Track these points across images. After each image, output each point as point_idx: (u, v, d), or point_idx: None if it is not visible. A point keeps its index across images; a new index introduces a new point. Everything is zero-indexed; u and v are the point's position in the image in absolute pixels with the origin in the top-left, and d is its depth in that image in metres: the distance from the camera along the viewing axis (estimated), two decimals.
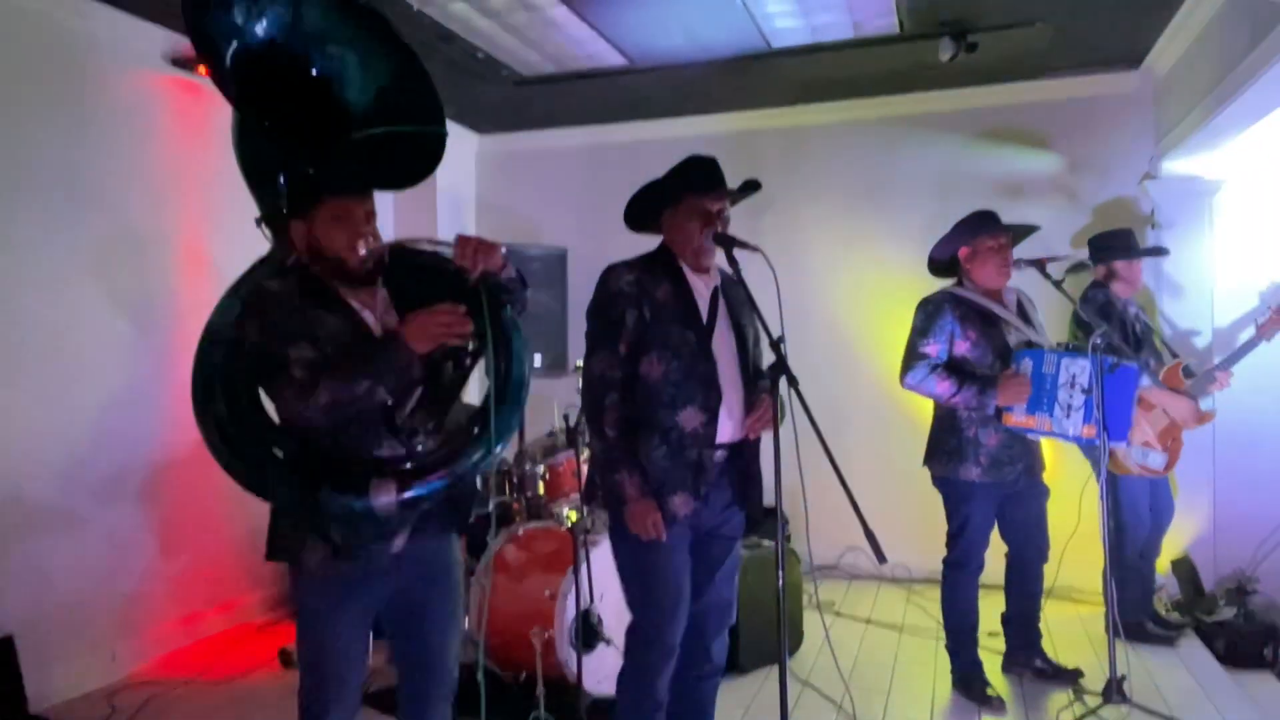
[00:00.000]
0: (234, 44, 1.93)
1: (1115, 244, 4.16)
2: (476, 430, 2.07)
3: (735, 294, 2.58)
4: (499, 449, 2.10)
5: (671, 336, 2.41)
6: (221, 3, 1.92)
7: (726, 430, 2.44)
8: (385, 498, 1.91)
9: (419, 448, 2.01)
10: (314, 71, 2.07)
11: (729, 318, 2.53)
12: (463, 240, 1.98)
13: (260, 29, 1.98)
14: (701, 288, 2.49)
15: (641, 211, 2.55)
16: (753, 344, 2.58)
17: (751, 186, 2.52)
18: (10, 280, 3.48)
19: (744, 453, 2.51)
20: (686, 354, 2.41)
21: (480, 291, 1.98)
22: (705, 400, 2.40)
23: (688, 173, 2.49)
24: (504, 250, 2.06)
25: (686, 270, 2.49)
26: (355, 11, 2.10)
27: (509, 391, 2.12)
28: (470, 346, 2.06)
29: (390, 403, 1.95)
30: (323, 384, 1.87)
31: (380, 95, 2.10)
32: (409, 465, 1.98)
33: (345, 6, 2.09)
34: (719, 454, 2.45)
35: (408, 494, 1.93)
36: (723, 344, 2.48)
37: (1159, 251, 4.34)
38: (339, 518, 1.94)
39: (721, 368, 2.44)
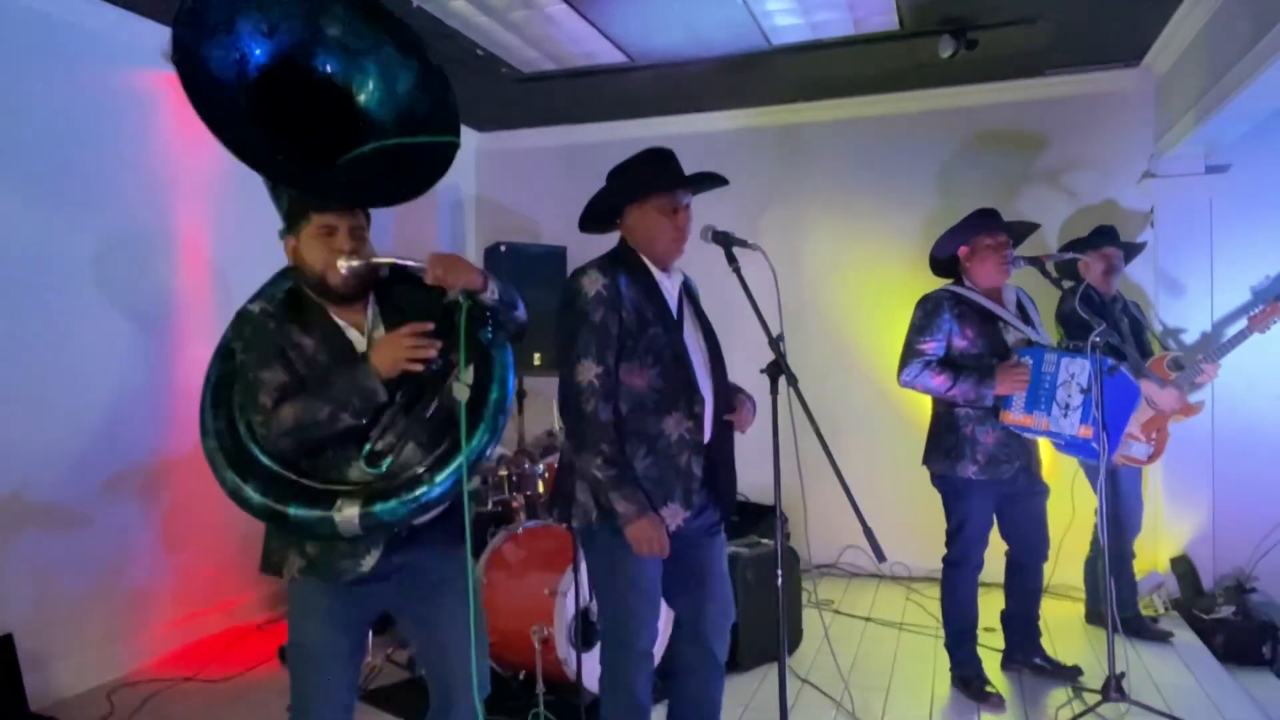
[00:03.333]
0: (231, 77, 1.89)
1: (1087, 240, 4.18)
2: (449, 450, 2.01)
3: (693, 290, 2.55)
4: (476, 469, 2.05)
5: (653, 340, 2.34)
6: (216, 32, 1.86)
7: (707, 431, 2.40)
8: (348, 518, 1.88)
9: (387, 468, 1.97)
10: (331, 76, 2.03)
11: (695, 315, 2.49)
12: (433, 259, 1.94)
13: (265, 49, 1.93)
14: (670, 286, 2.44)
15: (604, 212, 2.47)
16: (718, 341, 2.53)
17: (715, 180, 2.45)
18: (9, 279, 3.48)
19: (715, 451, 2.45)
20: (667, 357, 2.34)
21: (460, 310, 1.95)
22: (689, 404, 2.35)
23: (649, 168, 2.42)
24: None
25: (653, 269, 2.42)
26: (375, 18, 2.06)
27: (484, 414, 2.04)
28: (444, 366, 2.01)
29: (361, 422, 1.93)
30: (285, 408, 1.87)
31: (399, 105, 2.07)
32: (377, 486, 1.95)
33: (365, 13, 2.05)
34: (703, 457, 2.39)
35: (369, 516, 1.90)
36: (694, 343, 2.43)
37: (1119, 241, 4.27)
38: (307, 534, 1.93)
39: (696, 368, 2.39)
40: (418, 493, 1.95)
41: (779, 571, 2.20)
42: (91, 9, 3.75)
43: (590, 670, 3.12)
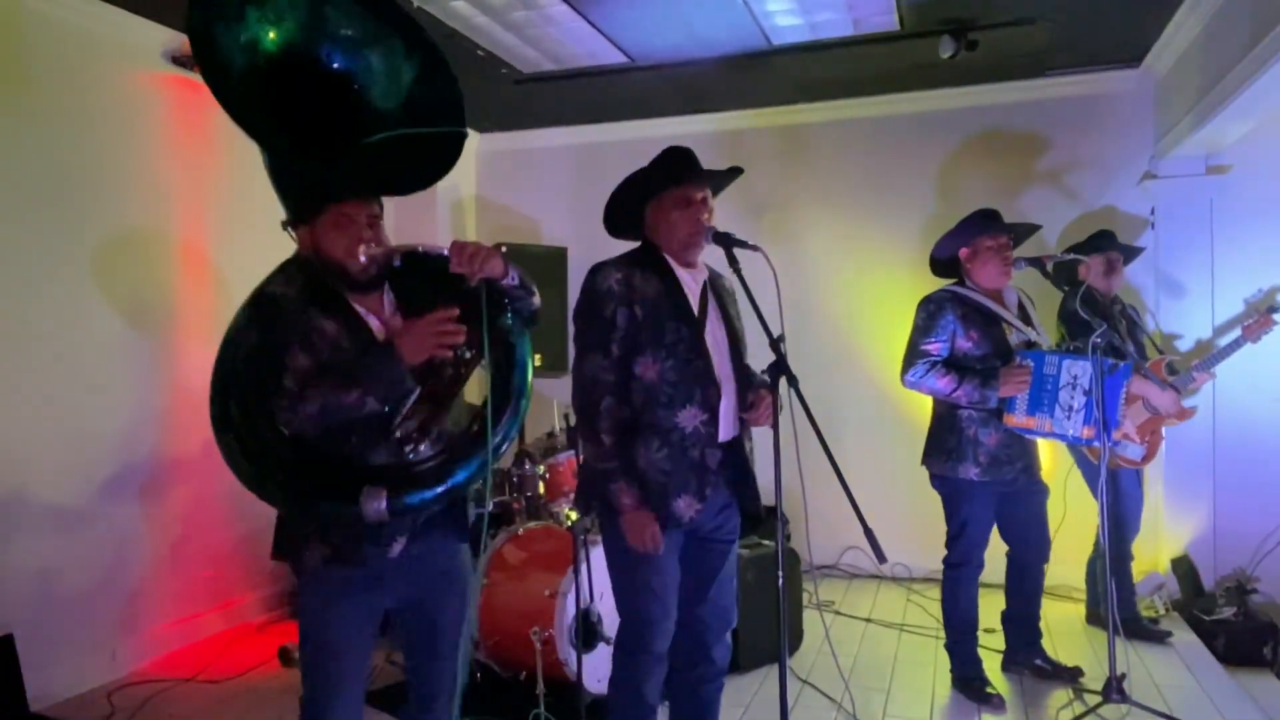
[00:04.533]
0: (244, 63, 1.89)
1: (1088, 243, 4.19)
2: (474, 436, 2.05)
3: (723, 288, 2.56)
4: (499, 455, 2.07)
5: (665, 334, 2.36)
6: (227, 20, 1.87)
7: (724, 428, 2.41)
8: (375, 506, 1.89)
9: (413, 455, 1.98)
10: (335, 67, 2.03)
11: (719, 312, 2.50)
12: (458, 246, 1.95)
13: (273, 36, 1.94)
14: (690, 282, 2.45)
15: (622, 211, 2.49)
16: (742, 339, 2.55)
17: (732, 172, 2.48)
18: (10, 280, 3.48)
19: (739, 451, 2.48)
20: (681, 351, 2.36)
21: (480, 297, 1.96)
22: (704, 398, 2.36)
23: (665, 164, 2.45)
24: (504, 249, 2.04)
25: (674, 265, 2.44)
26: (379, 9, 2.06)
27: (508, 400, 2.08)
28: (468, 353, 2.02)
29: (385, 410, 1.93)
30: (312, 393, 1.86)
31: (404, 95, 2.07)
32: (403, 473, 1.96)
33: (368, 4, 2.05)
34: (719, 452, 2.41)
35: (398, 503, 1.91)
36: (715, 339, 2.44)
37: (1119, 245, 4.28)
38: (334, 523, 1.93)
39: (716, 363, 2.40)
40: (446, 478, 1.97)
41: (779, 572, 2.19)
42: (93, 10, 3.75)
43: (590, 671, 3.12)
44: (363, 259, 1.95)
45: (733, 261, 2.37)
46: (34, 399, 3.55)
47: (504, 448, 2.10)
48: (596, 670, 3.17)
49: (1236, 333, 4.13)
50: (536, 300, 2.17)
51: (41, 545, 3.56)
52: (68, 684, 3.60)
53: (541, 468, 3.86)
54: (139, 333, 3.99)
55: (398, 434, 1.97)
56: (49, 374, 3.61)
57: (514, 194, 6.07)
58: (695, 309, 2.43)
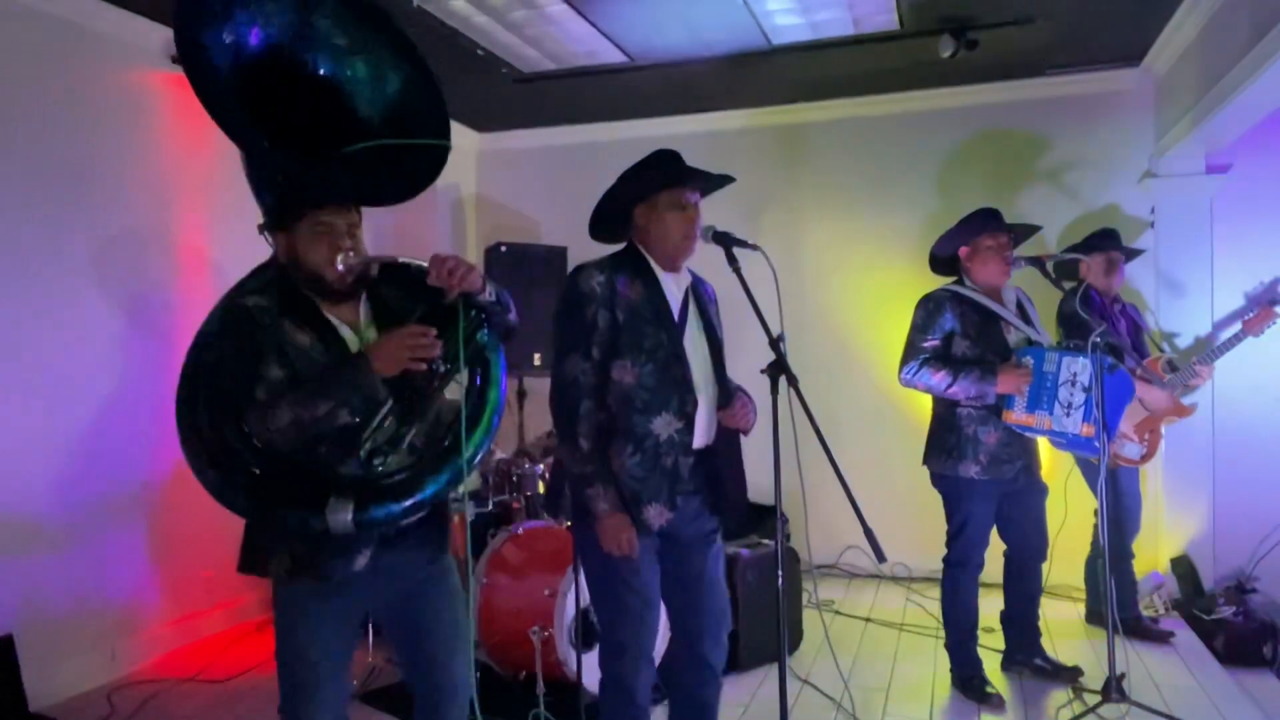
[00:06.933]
0: (227, 63, 1.88)
1: (1089, 241, 4.19)
2: (446, 450, 2.02)
3: (704, 295, 2.53)
4: (471, 470, 2.04)
5: (645, 339, 2.32)
6: (214, 19, 1.86)
7: (699, 435, 2.38)
8: (341, 517, 1.86)
9: (382, 467, 1.96)
10: (320, 74, 2.02)
11: (700, 318, 2.47)
12: (437, 260, 1.93)
13: (258, 38, 1.93)
14: (673, 287, 2.42)
15: (610, 213, 2.45)
16: (721, 346, 2.51)
17: (725, 178, 2.45)
18: (9, 280, 3.48)
19: (713, 457, 2.43)
20: (660, 357, 2.33)
21: (457, 311, 1.95)
22: (681, 406, 2.33)
23: (657, 167, 2.41)
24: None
25: (657, 269, 2.41)
26: (367, 18, 2.05)
27: (481, 416, 2.06)
28: (443, 367, 2.00)
29: (356, 421, 1.91)
30: (284, 404, 1.84)
31: (388, 105, 2.06)
32: (372, 485, 1.93)
33: (357, 12, 2.04)
34: (692, 460, 2.37)
35: (364, 516, 1.89)
36: (694, 346, 2.41)
37: (1120, 244, 4.27)
38: (298, 533, 1.91)
39: (694, 371, 2.37)
40: (414, 492, 1.94)
41: (779, 572, 2.19)
42: (92, 9, 3.75)
43: (590, 671, 3.12)
44: (340, 268, 1.94)
45: (732, 260, 2.35)
46: (34, 398, 3.55)
47: (476, 462, 2.06)
48: (596, 670, 3.17)
49: (1237, 327, 4.11)
50: (513, 317, 2.15)
51: (41, 545, 3.56)
52: (68, 684, 3.60)
53: (541, 466, 3.86)
54: (138, 331, 3.99)
55: (368, 446, 1.94)
56: (49, 373, 3.61)
57: (514, 193, 6.07)
58: (676, 315, 2.40)
